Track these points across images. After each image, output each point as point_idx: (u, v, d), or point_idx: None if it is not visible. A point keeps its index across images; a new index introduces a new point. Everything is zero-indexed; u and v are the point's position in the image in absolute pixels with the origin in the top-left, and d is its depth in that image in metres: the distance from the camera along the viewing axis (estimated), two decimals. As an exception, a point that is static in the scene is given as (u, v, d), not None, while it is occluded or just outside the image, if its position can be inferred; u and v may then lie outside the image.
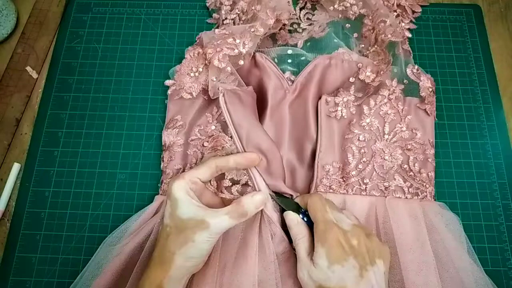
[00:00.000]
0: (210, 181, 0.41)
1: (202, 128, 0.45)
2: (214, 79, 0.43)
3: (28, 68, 0.51)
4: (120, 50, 0.52)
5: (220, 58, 0.42)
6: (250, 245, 0.37)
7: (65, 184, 0.46)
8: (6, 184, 0.46)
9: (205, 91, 0.45)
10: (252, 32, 0.44)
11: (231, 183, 0.41)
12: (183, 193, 0.34)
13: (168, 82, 0.47)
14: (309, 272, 0.33)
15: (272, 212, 0.39)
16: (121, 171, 0.47)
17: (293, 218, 0.37)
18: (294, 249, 0.39)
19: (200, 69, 0.45)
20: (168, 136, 0.45)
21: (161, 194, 0.43)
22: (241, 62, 0.44)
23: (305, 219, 0.37)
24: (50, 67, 0.52)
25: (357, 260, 0.32)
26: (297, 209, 0.38)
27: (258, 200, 0.36)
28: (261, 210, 0.39)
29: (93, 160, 0.47)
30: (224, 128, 0.44)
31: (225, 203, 0.40)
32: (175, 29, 0.53)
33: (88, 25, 0.54)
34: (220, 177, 0.41)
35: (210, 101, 0.46)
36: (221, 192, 0.41)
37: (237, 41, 0.43)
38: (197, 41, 0.48)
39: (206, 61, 0.44)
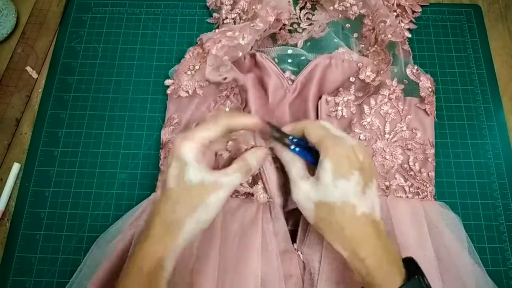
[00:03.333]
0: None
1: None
2: (211, 65, 0.42)
3: (28, 68, 0.51)
4: (120, 50, 0.52)
5: (219, 48, 0.42)
6: (253, 243, 0.37)
7: (65, 184, 0.46)
8: (6, 184, 0.46)
9: (200, 87, 0.45)
10: (252, 26, 0.44)
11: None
12: (193, 156, 0.31)
13: (167, 82, 0.47)
14: (305, 190, 0.33)
15: (270, 174, 0.38)
16: (121, 171, 0.47)
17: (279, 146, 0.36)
18: (296, 250, 0.39)
19: (197, 67, 0.45)
20: (165, 134, 0.45)
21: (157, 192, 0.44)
22: (240, 54, 0.44)
23: (297, 149, 0.35)
24: (50, 67, 0.52)
25: (362, 176, 0.32)
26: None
27: (260, 155, 0.36)
28: (262, 209, 0.39)
29: (93, 160, 0.47)
30: None
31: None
32: (175, 29, 0.53)
33: (88, 25, 0.54)
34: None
35: (206, 97, 0.46)
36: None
37: (237, 33, 0.43)
38: (198, 42, 0.48)
39: (204, 53, 0.44)
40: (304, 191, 0.33)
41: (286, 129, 0.37)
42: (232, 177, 0.33)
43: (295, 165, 0.35)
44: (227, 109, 0.45)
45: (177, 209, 0.31)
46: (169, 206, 0.31)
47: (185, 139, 0.32)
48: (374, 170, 0.35)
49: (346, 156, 0.32)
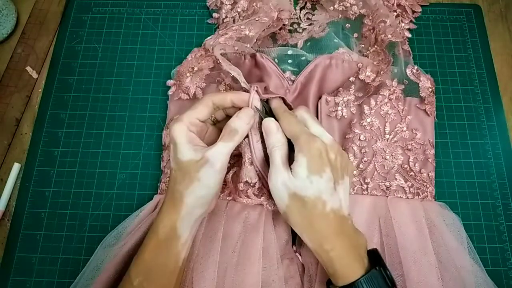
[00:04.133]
0: (225, 183, 0.41)
1: None
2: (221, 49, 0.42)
3: (28, 68, 0.51)
4: (120, 50, 0.52)
5: (227, 38, 0.42)
6: (254, 246, 0.37)
7: (65, 184, 0.46)
8: (6, 184, 0.46)
9: (200, 88, 0.45)
10: (257, 20, 0.44)
11: (246, 187, 0.40)
12: (182, 136, 0.34)
13: (169, 82, 0.47)
14: (284, 179, 0.33)
15: (256, 144, 0.38)
16: (121, 171, 0.47)
17: (273, 125, 0.36)
18: (295, 252, 0.39)
19: (196, 69, 0.45)
20: (167, 136, 0.45)
21: (160, 194, 0.43)
22: (247, 46, 0.44)
23: None
24: (50, 67, 0.51)
25: (333, 173, 0.33)
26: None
27: (243, 115, 0.36)
28: (264, 213, 0.39)
29: (93, 160, 0.47)
30: None
31: None
32: (175, 29, 0.53)
33: (88, 25, 0.54)
34: (236, 180, 0.41)
35: None
36: (239, 196, 0.40)
37: (242, 26, 0.43)
38: (202, 46, 0.48)
39: (207, 55, 0.44)
40: (284, 179, 0.33)
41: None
42: (215, 148, 0.33)
43: (281, 150, 0.35)
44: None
45: (177, 185, 0.34)
46: (172, 183, 0.34)
47: (176, 121, 0.35)
48: (350, 168, 0.36)
49: (318, 154, 0.33)
